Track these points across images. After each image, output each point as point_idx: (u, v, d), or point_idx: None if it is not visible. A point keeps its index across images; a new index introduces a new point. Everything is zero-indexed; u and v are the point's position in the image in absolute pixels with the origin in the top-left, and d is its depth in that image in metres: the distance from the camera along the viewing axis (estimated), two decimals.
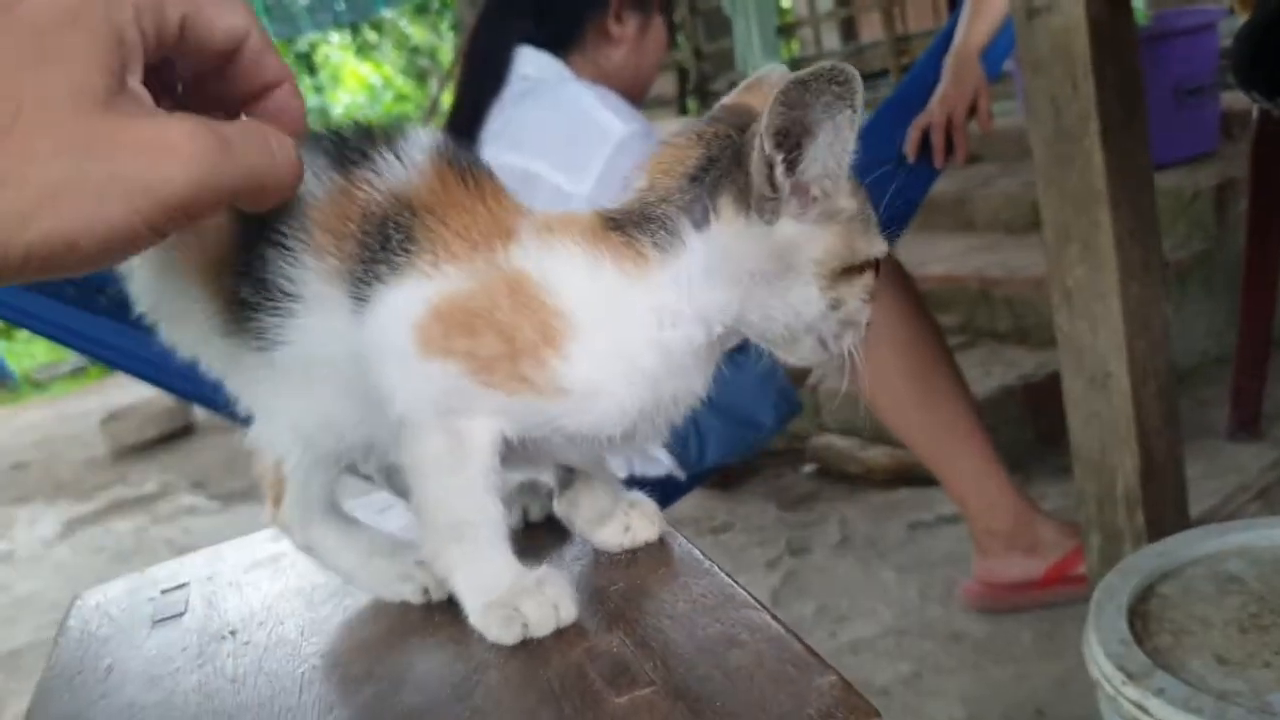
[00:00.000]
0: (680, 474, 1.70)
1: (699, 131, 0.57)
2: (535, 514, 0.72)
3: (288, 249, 0.56)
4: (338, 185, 0.57)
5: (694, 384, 0.58)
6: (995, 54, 1.94)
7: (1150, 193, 1.27)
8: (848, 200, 0.56)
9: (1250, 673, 0.94)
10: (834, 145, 0.53)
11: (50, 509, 3.90)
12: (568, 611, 0.55)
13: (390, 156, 0.57)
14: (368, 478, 0.75)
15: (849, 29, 6.45)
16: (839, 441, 2.51)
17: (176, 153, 0.40)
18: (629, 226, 0.56)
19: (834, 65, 0.51)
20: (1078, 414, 1.32)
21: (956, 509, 1.89)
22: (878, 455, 2.40)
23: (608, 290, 0.55)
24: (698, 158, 0.56)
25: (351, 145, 0.58)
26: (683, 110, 5.97)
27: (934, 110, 1.93)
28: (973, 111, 1.94)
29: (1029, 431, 2.43)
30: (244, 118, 0.45)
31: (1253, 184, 2.15)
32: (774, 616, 0.50)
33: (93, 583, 0.78)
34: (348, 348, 0.57)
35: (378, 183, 0.56)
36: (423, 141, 0.58)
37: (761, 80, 0.62)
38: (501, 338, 0.54)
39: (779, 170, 0.53)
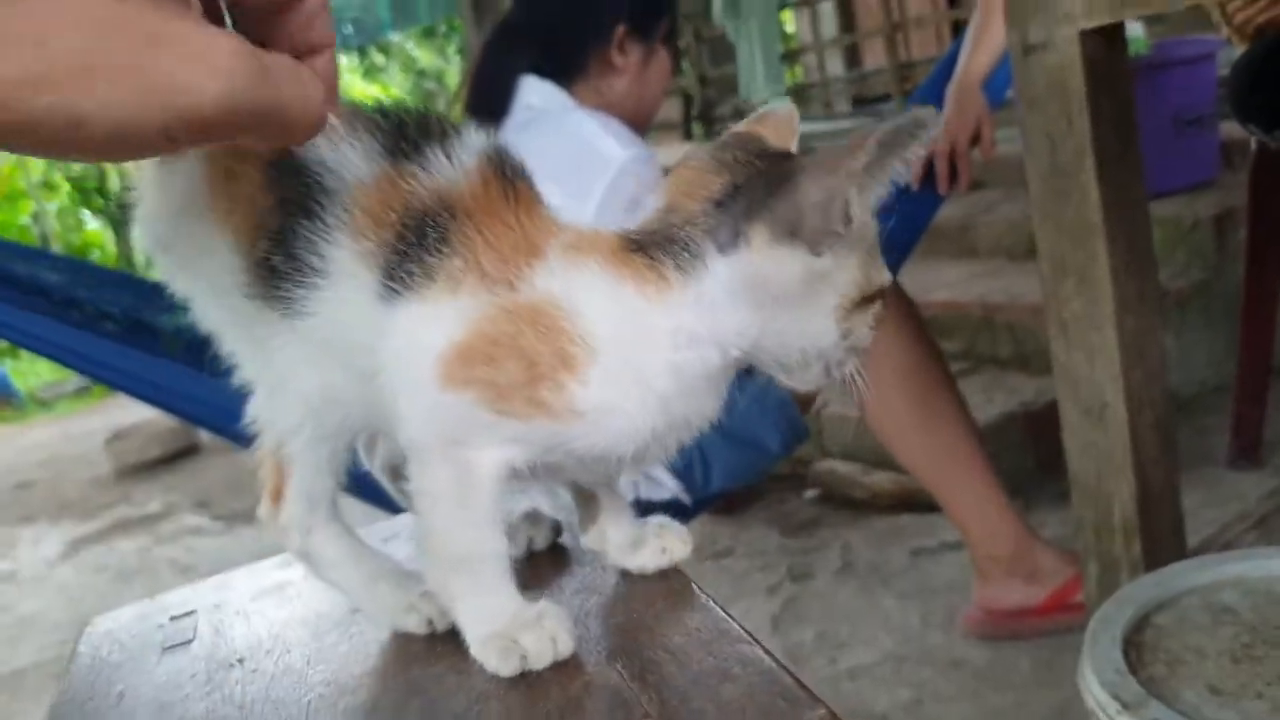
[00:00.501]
0: (686, 498, 1.71)
1: (720, 158, 0.58)
2: (539, 544, 0.74)
3: (325, 223, 0.57)
4: (387, 172, 0.58)
5: (706, 406, 0.60)
6: (997, 83, 1.96)
7: (1146, 226, 1.28)
8: (869, 231, 0.57)
9: (1243, 704, 0.95)
10: (890, 182, 0.56)
11: (54, 528, 3.92)
12: (565, 645, 0.57)
13: (442, 154, 0.58)
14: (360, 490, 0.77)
15: (853, 56, 6.49)
16: (842, 467, 2.52)
17: (213, 64, 0.38)
18: (651, 248, 0.57)
19: (920, 116, 0.53)
20: (1075, 443, 1.33)
21: (959, 535, 1.90)
22: (881, 481, 2.41)
23: (627, 312, 0.56)
24: (723, 184, 0.57)
25: (408, 135, 0.59)
26: (687, 135, 6.01)
27: (937, 138, 1.96)
28: (976, 139, 1.96)
29: (1030, 458, 2.44)
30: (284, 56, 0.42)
31: (1251, 214, 2.17)
32: (766, 651, 0.52)
33: (96, 602, 0.80)
34: (367, 330, 0.57)
35: (425, 178, 0.57)
36: (474, 144, 0.60)
37: (770, 115, 0.64)
38: (522, 365, 0.55)
39: (855, 210, 0.54)
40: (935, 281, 3.07)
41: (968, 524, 1.84)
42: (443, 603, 0.61)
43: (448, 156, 0.58)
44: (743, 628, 0.55)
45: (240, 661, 0.65)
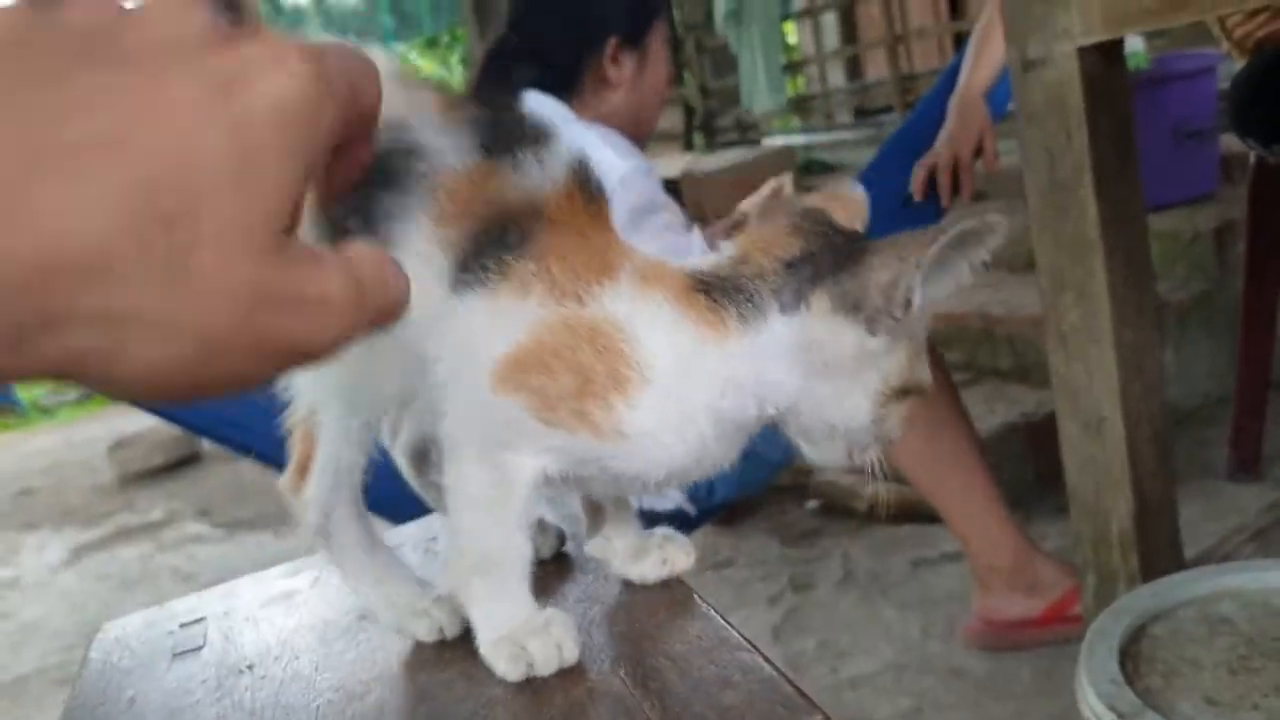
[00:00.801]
0: (691, 510, 1.72)
1: (797, 223, 0.60)
2: (544, 552, 0.75)
3: (409, 200, 0.57)
4: (481, 164, 0.58)
5: (729, 454, 0.62)
6: (1000, 94, 1.97)
7: (1144, 240, 1.30)
8: (921, 326, 0.59)
9: (1239, 715, 0.96)
10: (952, 282, 0.58)
11: (57, 535, 3.93)
12: (570, 652, 0.58)
13: (534, 158, 0.59)
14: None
15: (854, 67, 6.51)
16: (842, 478, 2.53)
17: (329, 309, 0.35)
18: (718, 292, 0.58)
19: (992, 222, 0.56)
20: (1073, 457, 1.34)
21: (959, 546, 1.91)
22: (880, 492, 2.42)
23: (685, 350, 0.57)
24: (798, 249, 0.58)
25: (504, 132, 0.60)
26: (688, 146, 6.03)
27: (940, 150, 1.97)
28: (978, 151, 1.97)
29: (1030, 469, 2.45)
30: (359, 246, 0.38)
31: (1250, 227, 2.18)
32: (766, 659, 0.53)
33: (99, 609, 0.81)
34: (427, 311, 0.57)
35: (517, 178, 0.58)
36: (563, 154, 0.60)
37: (841, 194, 0.65)
38: (575, 378, 0.56)
39: (917, 299, 0.56)
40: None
41: (968, 535, 1.85)
42: (459, 601, 0.62)
43: (539, 162, 0.59)
44: (743, 636, 0.56)
45: (250, 668, 0.66)
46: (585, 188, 0.60)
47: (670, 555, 0.69)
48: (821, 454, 0.62)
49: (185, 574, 3.24)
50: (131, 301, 0.31)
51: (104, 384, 0.33)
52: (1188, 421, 2.55)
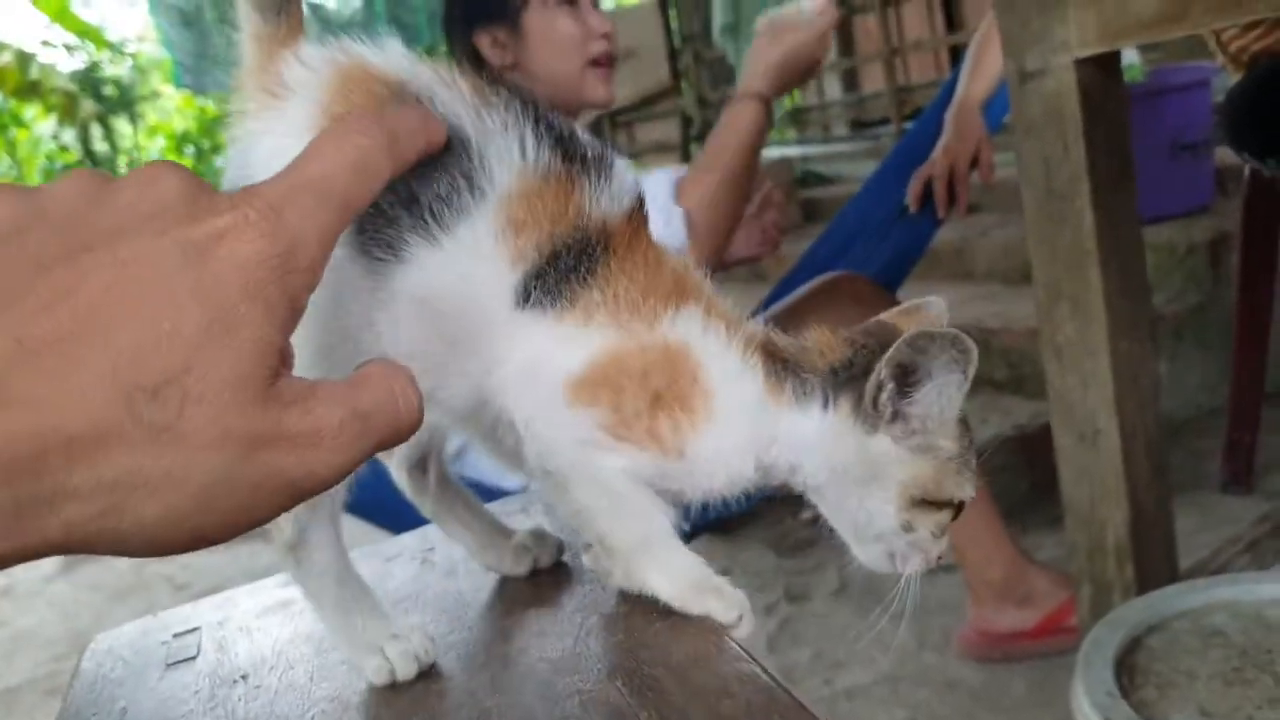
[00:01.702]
0: (685, 526, 1.71)
1: (853, 337, 0.63)
2: (544, 562, 0.75)
3: (475, 195, 0.57)
4: (559, 176, 0.58)
5: (741, 493, 0.64)
6: (997, 107, 1.98)
7: (1140, 252, 1.30)
8: (949, 443, 0.60)
9: None
10: (942, 395, 0.59)
11: None
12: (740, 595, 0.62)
13: (604, 182, 0.60)
14: None
15: (851, 79, 6.53)
16: None
17: (325, 446, 0.36)
18: (779, 363, 0.61)
19: (959, 336, 0.57)
20: (1068, 468, 1.34)
21: (953, 558, 1.91)
22: None
23: (748, 395, 0.60)
24: (845, 357, 0.61)
25: (576, 150, 0.60)
26: (685, 157, 6.04)
27: (936, 162, 1.97)
28: (975, 163, 1.98)
29: (1025, 480, 2.45)
30: (371, 369, 0.39)
31: (1243, 240, 2.19)
32: (763, 669, 0.53)
33: (91, 619, 0.80)
34: (473, 309, 0.58)
35: (593, 200, 0.59)
36: (629, 182, 0.62)
37: (920, 310, 0.67)
38: (647, 397, 0.58)
39: (885, 395, 0.59)
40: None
41: (963, 549, 1.85)
42: (635, 586, 0.63)
43: (609, 186, 0.60)
44: (740, 647, 0.56)
45: (244, 678, 0.66)
46: (642, 212, 0.62)
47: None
48: (865, 556, 0.64)
49: (179, 583, 3.22)
50: (126, 467, 0.33)
51: (110, 547, 0.35)
52: (1182, 433, 2.56)
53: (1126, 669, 1.06)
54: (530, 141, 0.58)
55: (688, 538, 1.84)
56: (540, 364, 0.59)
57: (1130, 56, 3.03)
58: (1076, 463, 1.33)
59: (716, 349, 0.60)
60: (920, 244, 2.04)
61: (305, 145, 0.40)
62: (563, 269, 0.58)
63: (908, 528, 0.61)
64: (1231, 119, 2.06)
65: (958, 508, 0.62)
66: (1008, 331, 2.82)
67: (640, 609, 0.63)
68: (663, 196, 1.64)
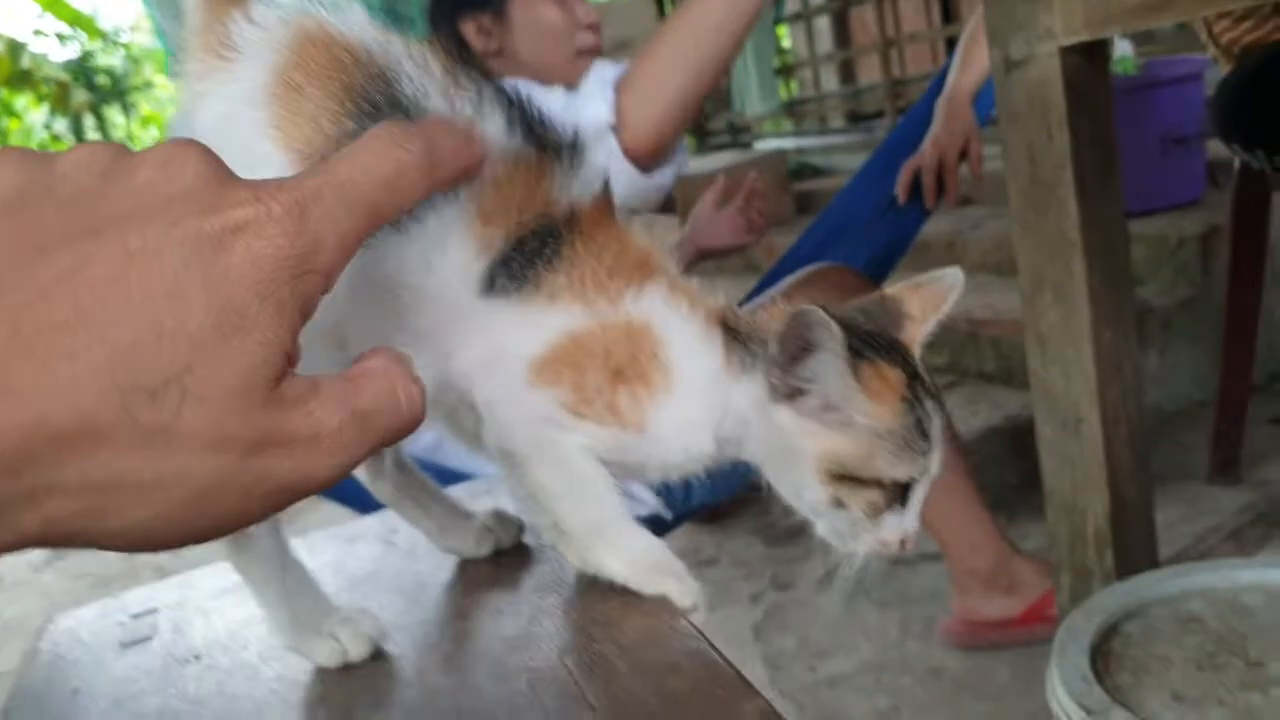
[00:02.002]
0: (667, 514, 1.71)
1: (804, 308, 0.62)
2: (505, 542, 0.74)
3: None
4: (530, 163, 0.58)
5: (700, 469, 0.64)
6: (987, 99, 1.97)
7: (1124, 241, 1.29)
8: (866, 418, 0.59)
9: (1205, 710, 0.95)
10: (829, 368, 0.58)
11: None
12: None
13: (573, 167, 0.60)
14: None
15: (847, 71, 6.51)
16: None
17: (323, 449, 0.35)
18: (733, 334, 0.61)
19: (814, 313, 0.56)
20: (1050, 457, 1.34)
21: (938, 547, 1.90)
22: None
23: (708, 369, 0.61)
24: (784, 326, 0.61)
25: (548, 137, 0.60)
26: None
27: (925, 153, 1.97)
28: (964, 155, 1.97)
29: (1013, 471, 2.44)
30: (373, 364, 0.38)
31: (1233, 233, 2.18)
32: (712, 645, 0.52)
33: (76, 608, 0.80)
34: (435, 290, 0.58)
35: (561, 186, 0.59)
36: (597, 165, 0.61)
37: (929, 282, 0.66)
38: (608, 375, 0.58)
39: (776, 368, 0.59)
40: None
41: (948, 539, 1.84)
42: (591, 569, 0.62)
43: (575, 170, 0.60)
44: (692, 624, 0.56)
45: (196, 658, 0.65)
46: (609, 193, 0.62)
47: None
48: (821, 529, 0.64)
49: (168, 571, 3.22)
50: (116, 467, 0.31)
51: (91, 543, 0.33)
52: (1171, 425, 2.55)
53: (1102, 655, 1.05)
54: (502, 127, 0.58)
55: (672, 526, 1.83)
56: (504, 348, 0.59)
57: (1124, 48, 3.02)
58: (1058, 451, 1.33)
59: (678, 324, 0.60)
60: (908, 235, 2.03)
61: (254, 108, 0.38)
62: (528, 254, 0.58)
63: (838, 504, 0.60)
64: (1221, 111, 2.05)
65: (898, 488, 0.61)
66: (997, 323, 2.81)
67: (598, 588, 0.62)
68: (605, 84, 1.51)
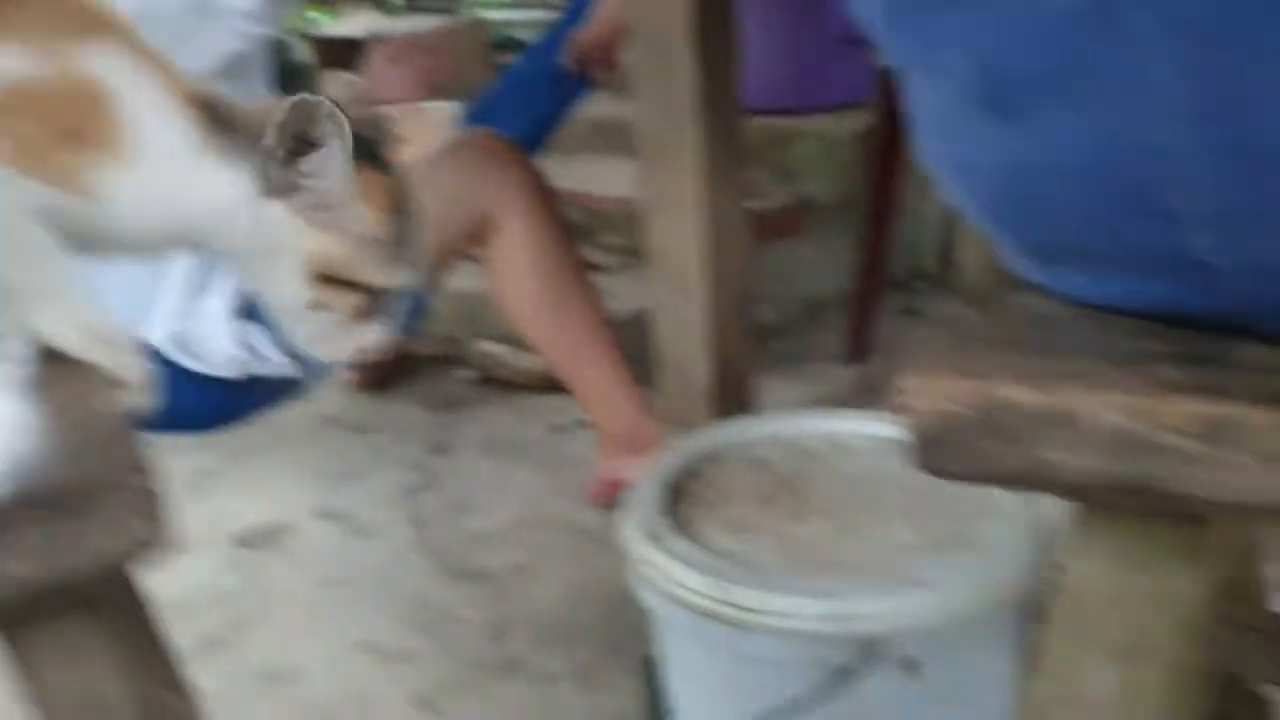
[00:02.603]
0: (299, 374, 1.67)
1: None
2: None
3: None
4: None
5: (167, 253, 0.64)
6: None
7: (737, 109, 1.36)
8: (357, 222, 0.59)
9: (756, 538, 1.06)
10: (331, 164, 0.58)
11: None
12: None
13: None
14: None
15: None
16: (494, 348, 2.56)
17: None
18: (222, 121, 0.60)
19: (318, 102, 0.56)
20: (662, 317, 1.42)
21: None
22: (529, 362, 2.47)
23: (179, 145, 0.58)
24: (278, 123, 0.60)
25: None
26: (379, 2, 5.77)
27: (593, 27, 1.99)
28: None
29: None
30: None
31: (880, 133, 2.35)
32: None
33: None
34: None
35: None
36: None
37: (422, 109, 0.69)
38: (56, 132, 0.55)
39: (276, 161, 0.59)
40: (598, 177, 3.12)
41: (592, 404, 1.93)
42: (29, 333, 0.58)
43: None
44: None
45: None
46: None
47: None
48: (294, 335, 0.64)
49: None
50: None
51: None
52: (821, 311, 2.74)
53: (679, 493, 1.14)
54: None
55: (305, 390, 1.76)
56: None
57: None
58: (669, 312, 1.41)
59: (144, 94, 0.58)
60: (562, 108, 2.07)
61: None
62: None
63: (317, 306, 0.62)
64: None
65: (381, 296, 0.63)
66: None
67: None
68: None
